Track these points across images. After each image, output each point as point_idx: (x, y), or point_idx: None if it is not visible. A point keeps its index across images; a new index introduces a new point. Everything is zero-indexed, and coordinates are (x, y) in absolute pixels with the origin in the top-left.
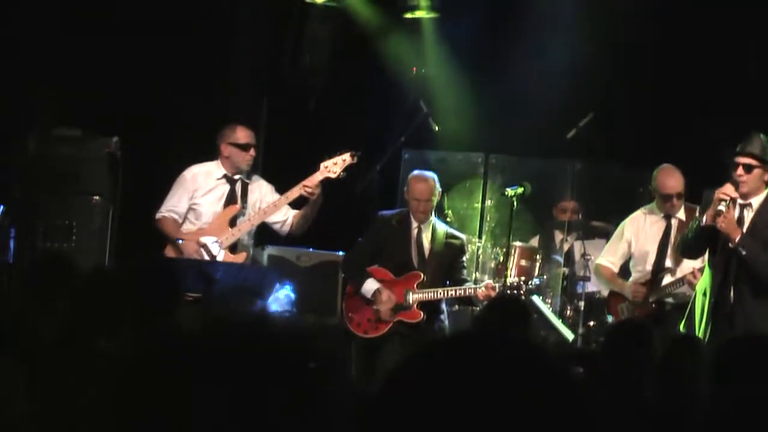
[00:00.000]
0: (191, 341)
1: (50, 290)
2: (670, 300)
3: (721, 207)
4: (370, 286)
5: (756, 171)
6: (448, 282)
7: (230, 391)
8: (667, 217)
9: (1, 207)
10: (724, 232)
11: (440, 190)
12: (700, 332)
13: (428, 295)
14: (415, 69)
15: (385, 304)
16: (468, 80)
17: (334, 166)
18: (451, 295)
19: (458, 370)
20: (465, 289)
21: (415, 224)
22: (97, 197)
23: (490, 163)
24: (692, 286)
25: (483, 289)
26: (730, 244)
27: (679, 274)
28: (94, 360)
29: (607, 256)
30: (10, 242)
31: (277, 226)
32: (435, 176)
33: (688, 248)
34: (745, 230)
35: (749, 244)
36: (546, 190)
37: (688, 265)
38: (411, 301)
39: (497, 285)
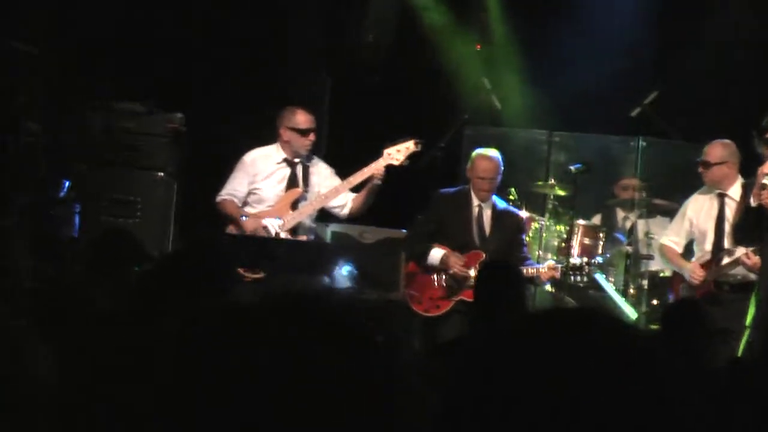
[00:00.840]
0: (254, 314)
1: (113, 265)
2: (729, 280)
3: (765, 181)
4: (437, 253)
5: None
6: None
7: (294, 362)
8: (721, 196)
9: (67, 182)
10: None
11: (503, 168)
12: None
13: None
14: (479, 46)
15: (456, 264)
16: (531, 57)
17: (397, 153)
18: None
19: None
20: (527, 269)
21: (476, 202)
22: (161, 173)
23: (553, 141)
24: (746, 266)
25: (545, 269)
26: None
27: (737, 254)
28: (153, 336)
29: (671, 236)
30: (75, 217)
31: (336, 210)
32: (499, 154)
33: (741, 233)
34: None
35: None
36: (609, 168)
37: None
38: (473, 280)
39: (559, 265)
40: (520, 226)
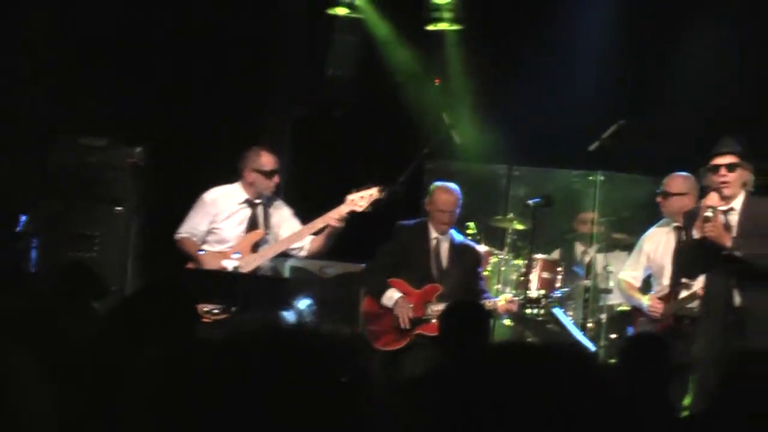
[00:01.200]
0: (225, 350)
1: (73, 298)
2: (689, 314)
3: (708, 213)
4: (391, 294)
5: (738, 170)
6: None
7: (262, 401)
8: (678, 229)
9: (24, 217)
10: (714, 240)
11: (461, 201)
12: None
13: None
14: (438, 80)
15: (404, 316)
16: (491, 92)
17: (360, 200)
18: None
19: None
20: (485, 303)
21: (434, 235)
22: (121, 207)
23: (512, 175)
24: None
25: (503, 302)
26: (723, 252)
27: (695, 287)
28: (131, 366)
29: (629, 271)
30: (32, 251)
31: (294, 251)
32: (458, 188)
33: (687, 268)
34: (734, 233)
35: (743, 245)
36: (568, 202)
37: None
38: (430, 314)
39: (516, 298)
40: (478, 260)
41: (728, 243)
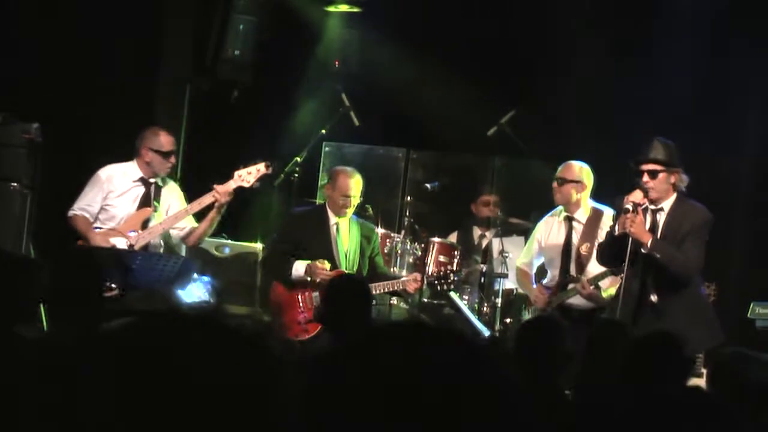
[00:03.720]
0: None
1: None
2: (576, 307)
3: (628, 206)
4: (299, 266)
5: (661, 175)
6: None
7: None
8: (569, 220)
9: None
10: (635, 237)
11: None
12: None
13: None
14: (337, 62)
15: (322, 271)
16: (391, 75)
17: (248, 176)
18: (379, 291)
19: (379, 357)
20: (392, 284)
21: (333, 220)
22: (16, 184)
23: (411, 158)
24: (582, 296)
25: (412, 281)
26: (642, 249)
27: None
28: (12, 346)
29: (522, 258)
30: None
31: (174, 231)
32: (358, 173)
33: (603, 257)
34: (659, 234)
35: (661, 247)
36: (466, 186)
37: (593, 271)
38: None
39: (424, 276)
40: (375, 238)
41: (647, 241)
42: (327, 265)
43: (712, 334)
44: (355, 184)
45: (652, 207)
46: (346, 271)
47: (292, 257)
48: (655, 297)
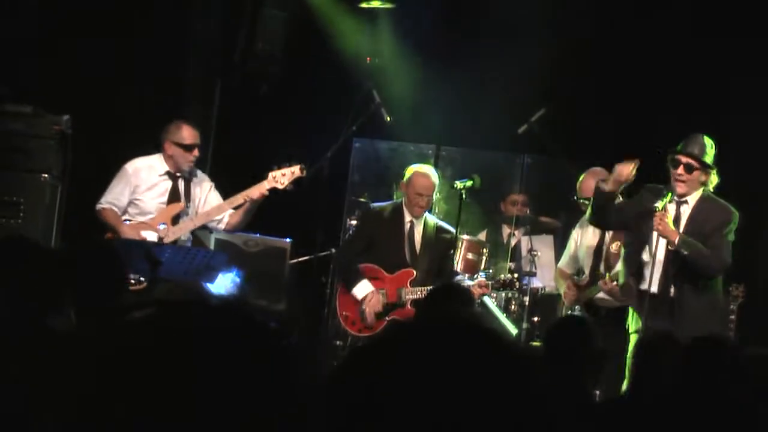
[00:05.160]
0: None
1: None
2: (604, 304)
3: (657, 204)
4: (363, 288)
5: (695, 172)
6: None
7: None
8: None
9: None
10: (662, 235)
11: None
12: (634, 327)
13: (421, 293)
14: (369, 59)
15: (372, 307)
16: (422, 72)
17: (282, 177)
18: None
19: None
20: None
21: (408, 218)
22: (46, 175)
23: (440, 155)
24: (605, 291)
25: (476, 286)
26: (669, 246)
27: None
28: (41, 339)
29: (564, 258)
30: None
31: (213, 224)
32: (435, 172)
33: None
34: (682, 227)
35: (689, 244)
36: (495, 184)
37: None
38: (404, 299)
39: (490, 282)
40: (452, 243)
41: (675, 239)
42: (379, 308)
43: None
44: (428, 184)
45: (677, 199)
46: (413, 272)
47: (364, 257)
48: (674, 290)
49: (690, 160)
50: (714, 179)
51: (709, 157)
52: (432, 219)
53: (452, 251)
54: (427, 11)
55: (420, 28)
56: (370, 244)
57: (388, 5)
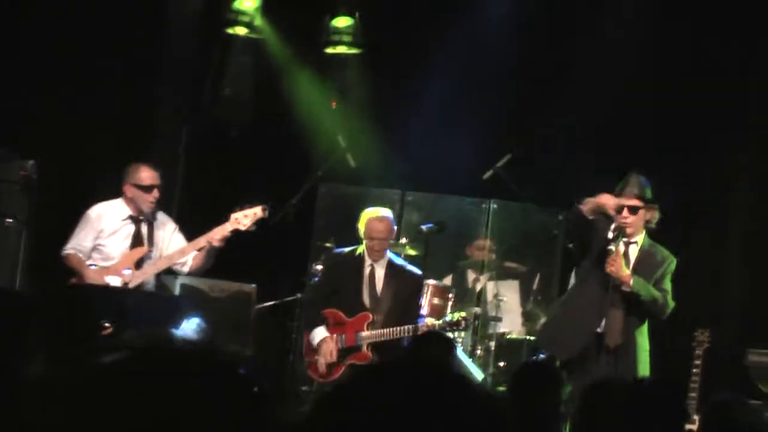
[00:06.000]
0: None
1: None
2: None
3: (611, 247)
4: (318, 334)
5: (640, 212)
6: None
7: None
8: None
9: None
10: (615, 277)
11: (395, 227)
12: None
13: (376, 335)
14: (334, 103)
15: (323, 356)
16: (387, 117)
17: (244, 219)
18: (396, 335)
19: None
20: (408, 329)
21: (368, 262)
22: (11, 220)
23: (406, 200)
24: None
25: (423, 328)
26: (623, 287)
27: None
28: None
29: None
30: None
31: (177, 267)
32: (391, 214)
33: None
34: (631, 267)
35: (644, 286)
36: (461, 229)
37: None
38: (361, 343)
39: (437, 323)
40: (415, 283)
41: (629, 281)
42: (331, 358)
43: None
44: (381, 227)
45: (625, 240)
46: (370, 316)
47: (328, 303)
48: (622, 328)
49: (633, 201)
50: (657, 215)
51: (648, 193)
52: (397, 261)
53: (418, 292)
54: (392, 55)
55: (385, 73)
56: (331, 290)
57: (354, 51)
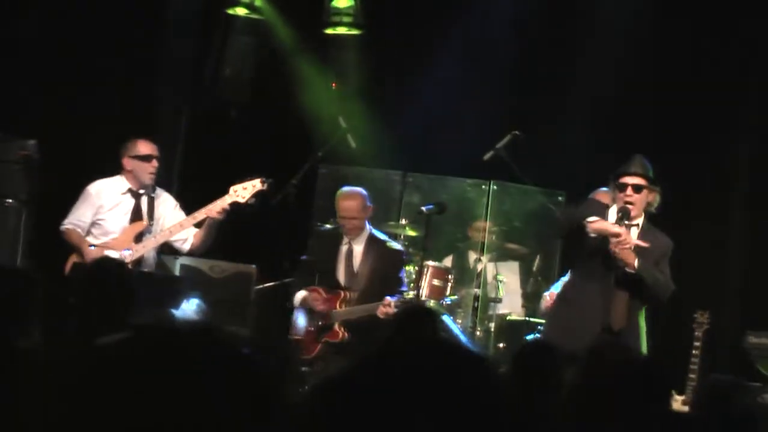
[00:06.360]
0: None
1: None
2: None
3: (617, 229)
4: (298, 296)
5: (644, 191)
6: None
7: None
8: None
9: None
10: (621, 259)
11: (370, 205)
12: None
13: (346, 313)
14: (335, 84)
15: (315, 301)
16: (388, 98)
17: (243, 191)
18: (364, 312)
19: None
20: (371, 307)
21: (345, 240)
22: (11, 200)
23: (407, 181)
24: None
25: (381, 306)
26: (627, 269)
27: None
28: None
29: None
30: None
31: (178, 244)
32: (364, 192)
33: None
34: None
35: (647, 269)
36: (462, 210)
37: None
38: (333, 320)
39: (393, 300)
40: (394, 258)
41: (634, 262)
42: (321, 296)
43: None
44: (350, 206)
45: (627, 222)
46: (345, 293)
47: (312, 277)
48: (627, 313)
49: (637, 180)
50: (658, 198)
51: (651, 174)
52: (378, 236)
53: (397, 266)
54: (393, 36)
55: (386, 54)
56: (315, 267)
57: (354, 32)
